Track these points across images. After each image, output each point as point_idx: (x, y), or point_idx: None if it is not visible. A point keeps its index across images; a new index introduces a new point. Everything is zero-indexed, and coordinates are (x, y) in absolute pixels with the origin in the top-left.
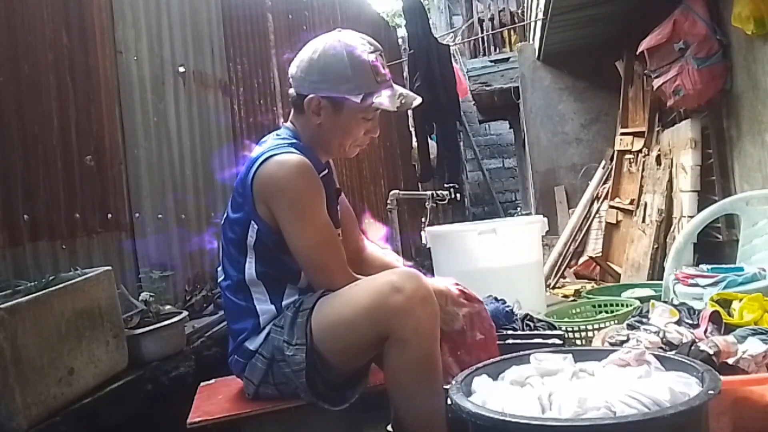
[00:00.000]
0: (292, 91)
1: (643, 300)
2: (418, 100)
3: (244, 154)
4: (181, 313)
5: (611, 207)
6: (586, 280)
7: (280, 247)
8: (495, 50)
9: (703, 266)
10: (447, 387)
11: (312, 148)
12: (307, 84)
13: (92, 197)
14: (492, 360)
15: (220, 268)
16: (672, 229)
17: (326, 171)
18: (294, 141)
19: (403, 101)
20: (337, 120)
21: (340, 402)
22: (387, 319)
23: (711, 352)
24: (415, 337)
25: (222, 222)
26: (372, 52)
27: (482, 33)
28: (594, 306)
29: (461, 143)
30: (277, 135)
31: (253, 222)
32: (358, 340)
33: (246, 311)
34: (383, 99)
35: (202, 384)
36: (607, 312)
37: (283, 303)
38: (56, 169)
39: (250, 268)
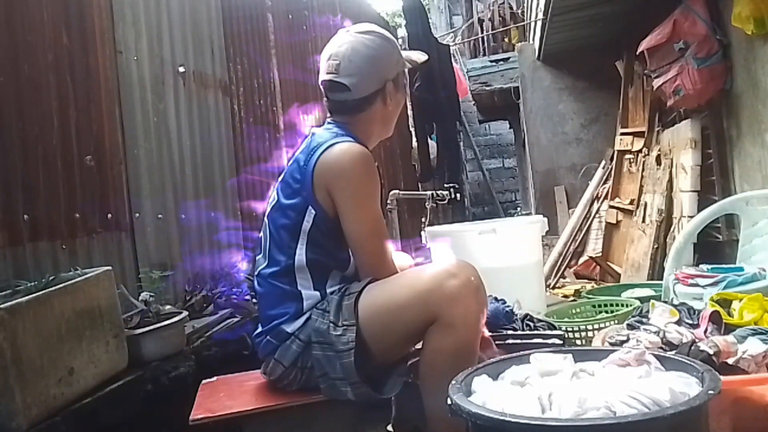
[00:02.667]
0: (345, 97)
1: (643, 300)
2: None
3: (242, 154)
4: (181, 313)
5: (611, 207)
6: (586, 280)
7: (332, 234)
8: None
9: (703, 266)
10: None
11: (363, 142)
12: (371, 81)
13: (92, 197)
14: (492, 360)
15: (260, 256)
16: (672, 229)
17: None
18: (348, 133)
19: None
20: (398, 96)
21: (380, 390)
22: (439, 303)
23: (711, 352)
24: (462, 323)
25: (269, 210)
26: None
27: (482, 33)
28: (594, 306)
29: (461, 143)
30: (328, 129)
31: (310, 207)
32: (405, 323)
33: (289, 295)
34: (411, 54)
35: (203, 381)
36: (607, 312)
37: (328, 289)
38: (56, 169)
39: (300, 253)
